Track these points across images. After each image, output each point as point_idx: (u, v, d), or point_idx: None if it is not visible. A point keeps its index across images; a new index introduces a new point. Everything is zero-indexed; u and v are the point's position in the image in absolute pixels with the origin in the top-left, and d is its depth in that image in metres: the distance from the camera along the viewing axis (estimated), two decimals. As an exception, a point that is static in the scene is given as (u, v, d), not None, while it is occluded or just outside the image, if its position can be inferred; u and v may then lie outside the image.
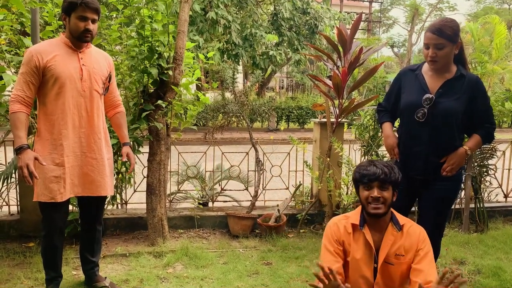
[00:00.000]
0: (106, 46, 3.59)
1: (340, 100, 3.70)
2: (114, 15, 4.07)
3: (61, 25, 3.06)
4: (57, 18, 3.33)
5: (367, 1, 23.77)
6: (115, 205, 3.99)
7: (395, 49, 34.56)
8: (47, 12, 3.42)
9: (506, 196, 4.70)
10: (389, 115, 2.65)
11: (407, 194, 2.50)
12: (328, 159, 3.89)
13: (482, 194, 4.28)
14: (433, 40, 2.26)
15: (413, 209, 3.97)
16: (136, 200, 4.13)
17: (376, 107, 2.73)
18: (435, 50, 2.27)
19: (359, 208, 2.08)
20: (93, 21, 2.40)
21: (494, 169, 4.31)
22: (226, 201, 4.43)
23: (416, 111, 2.35)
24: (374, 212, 1.95)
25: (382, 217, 1.99)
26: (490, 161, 4.24)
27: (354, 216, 2.07)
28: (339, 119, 3.82)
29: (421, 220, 2.47)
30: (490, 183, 4.47)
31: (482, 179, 4.25)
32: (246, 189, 4.34)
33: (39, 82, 2.36)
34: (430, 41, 2.28)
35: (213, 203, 4.37)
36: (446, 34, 2.25)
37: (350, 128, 4.56)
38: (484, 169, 4.23)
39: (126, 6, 3.49)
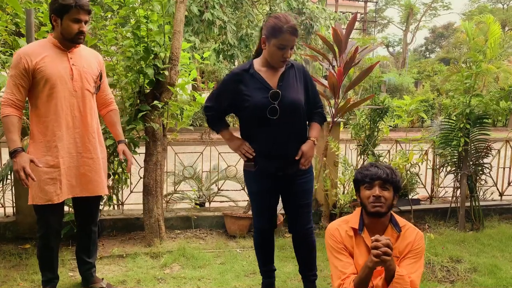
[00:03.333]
0: (101, 47, 3.58)
1: (336, 100, 3.71)
2: (109, 16, 4.05)
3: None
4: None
5: (362, 1, 23.83)
6: (112, 206, 3.98)
7: (390, 49, 34.70)
8: (42, 12, 3.41)
9: (501, 194, 4.73)
10: (221, 121, 2.52)
11: (273, 195, 2.52)
12: (325, 158, 3.89)
13: (478, 192, 4.30)
14: (292, 42, 2.26)
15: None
16: (132, 201, 4.12)
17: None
18: (288, 54, 2.28)
19: (358, 210, 2.09)
20: (86, 23, 2.39)
21: (489, 168, 4.34)
22: (223, 201, 4.42)
23: (268, 109, 2.29)
24: (374, 210, 1.96)
25: (383, 216, 2.00)
26: (485, 160, 4.26)
27: (353, 219, 2.08)
28: (335, 119, 3.83)
29: (293, 215, 2.53)
30: (486, 182, 4.49)
31: (478, 177, 4.27)
32: (243, 189, 4.33)
33: (29, 84, 2.34)
34: (290, 43, 2.25)
35: (210, 203, 4.37)
36: (297, 35, 2.29)
37: (346, 127, 4.58)
38: (480, 168, 4.25)
39: (122, 6, 3.48)
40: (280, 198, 2.58)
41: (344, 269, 1.98)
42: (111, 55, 3.64)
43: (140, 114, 3.46)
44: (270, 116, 2.30)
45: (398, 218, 2.07)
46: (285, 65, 2.35)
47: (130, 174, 3.79)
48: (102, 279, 2.80)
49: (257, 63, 2.40)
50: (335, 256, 2.04)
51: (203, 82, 17.31)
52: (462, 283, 2.98)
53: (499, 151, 4.63)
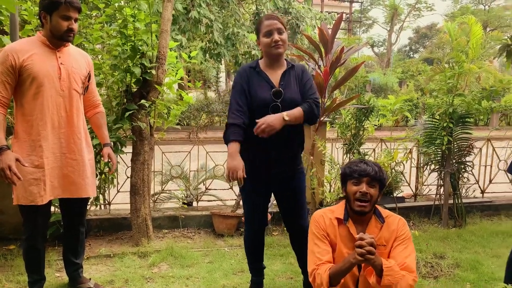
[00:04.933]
0: (86, 45, 3.54)
1: (323, 99, 3.75)
2: (95, 14, 4.02)
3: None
4: (37, 17, 3.27)
5: (347, 1, 24.02)
6: (98, 206, 3.95)
7: (375, 49, 35.07)
8: (26, 10, 3.36)
9: (483, 192, 4.84)
10: (240, 132, 2.32)
11: (265, 195, 2.57)
12: (312, 157, 3.93)
13: (460, 190, 4.40)
14: (275, 24, 2.32)
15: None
16: (119, 201, 4.10)
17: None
18: (278, 35, 2.32)
19: (343, 202, 2.13)
20: (75, 20, 2.37)
21: (472, 166, 4.44)
22: (211, 200, 4.43)
23: (270, 107, 2.33)
24: (359, 209, 2.01)
25: (366, 215, 2.04)
26: (467, 158, 4.36)
27: (339, 210, 2.12)
28: (322, 118, 3.87)
29: (290, 215, 2.57)
30: (468, 180, 4.60)
31: (460, 175, 4.36)
32: (231, 188, 4.35)
33: (16, 82, 2.30)
34: (273, 26, 2.32)
35: (197, 202, 4.37)
36: (281, 20, 2.36)
37: (332, 126, 4.63)
38: (462, 166, 4.35)
39: (108, 4, 3.46)
40: (274, 198, 2.62)
41: (321, 256, 2.02)
42: (97, 53, 3.61)
43: (127, 114, 3.44)
44: (272, 113, 2.33)
45: (381, 209, 2.12)
46: (278, 51, 2.36)
47: (117, 174, 3.77)
48: (90, 279, 2.78)
49: (262, 63, 2.47)
50: (315, 242, 2.08)
51: (189, 81, 17.24)
52: (445, 278, 3.05)
53: (480, 149, 4.74)
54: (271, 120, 2.24)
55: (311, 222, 2.16)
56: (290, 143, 2.44)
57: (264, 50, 2.41)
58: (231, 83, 22.37)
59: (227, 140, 2.35)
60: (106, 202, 4.00)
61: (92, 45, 3.52)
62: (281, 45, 2.36)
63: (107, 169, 3.57)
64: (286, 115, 2.27)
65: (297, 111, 2.33)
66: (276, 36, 2.33)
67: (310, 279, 2.03)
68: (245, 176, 2.25)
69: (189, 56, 3.92)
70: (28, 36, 3.21)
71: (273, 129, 2.24)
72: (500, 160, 4.81)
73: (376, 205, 2.12)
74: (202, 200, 4.39)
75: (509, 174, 2.62)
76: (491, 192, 4.89)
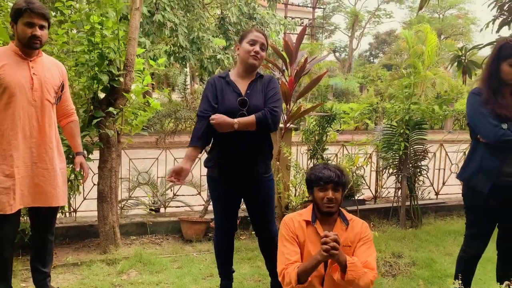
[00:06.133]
0: (48, 49, 3.49)
1: (288, 107, 3.89)
2: (58, 20, 3.96)
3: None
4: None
5: (310, 7, 24.53)
6: (64, 214, 3.90)
7: (337, 54, 35.97)
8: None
9: (437, 194, 5.16)
10: (202, 136, 2.47)
11: (235, 199, 2.67)
12: (278, 162, 4.06)
13: (416, 192, 4.68)
14: (261, 39, 2.50)
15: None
16: (84, 208, 4.06)
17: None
18: (260, 48, 2.49)
19: (311, 206, 2.28)
20: (41, 27, 2.36)
21: (426, 170, 4.73)
22: (179, 206, 4.46)
23: (237, 115, 2.43)
24: (327, 210, 2.17)
25: (333, 215, 2.20)
26: (423, 162, 4.64)
27: (306, 213, 2.27)
28: (287, 125, 4.01)
29: (258, 220, 2.69)
30: (423, 182, 4.89)
31: (416, 178, 4.64)
32: (199, 193, 4.41)
33: None
34: (259, 39, 2.49)
35: (165, 208, 4.40)
36: (267, 40, 2.56)
37: (297, 132, 4.79)
38: (418, 170, 4.62)
39: (76, 11, 3.44)
40: (244, 204, 2.72)
41: (290, 256, 2.15)
42: (62, 60, 3.57)
43: (95, 121, 3.43)
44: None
45: (345, 212, 2.29)
46: (254, 62, 2.49)
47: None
48: (57, 288, 2.77)
49: (232, 73, 2.59)
50: (284, 244, 2.22)
51: (152, 84, 17.03)
52: (402, 276, 3.26)
53: (434, 154, 5.05)
54: (222, 121, 2.38)
55: (281, 225, 2.28)
56: (255, 148, 2.53)
57: (241, 57, 2.51)
58: (196, 86, 22.18)
59: (190, 143, 2.49)
60: (72, 210, 3.95)
61: (58, 52, 3.49)
62: (258, 58, 2.49)
63: (74, 173, 3.55)
64: (236, 122, 2.38)
65: (249, 119, 2.42)
66: (257, 48, 2.47)
67: (280, 279, 2.15)
68: (177, 180, 2.43)
69: (152, 59, 3.94)
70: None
71: (220, 128, 2.39)
72: (452, 164, 5.14)
73: (341, 208, 2.27)
74: (170, 206, 4.42)
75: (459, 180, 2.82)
76: (444, 194, 5.21)
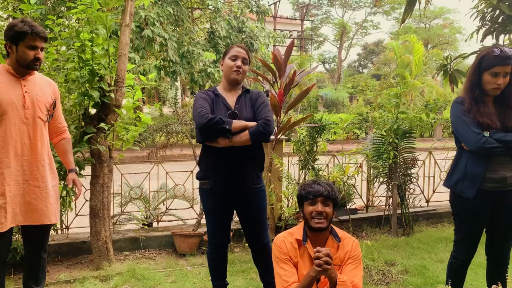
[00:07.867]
0: (42, 68, 3.52)
1: (278, 119, 3.94)
2: (49, 37, 3.98)
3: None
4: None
5: (299, 20, 24.87)
6: (56, 231, 3.88)
7: (326, 65, 36.39)
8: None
9: (427, 201, 5.21)
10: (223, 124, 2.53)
11: (227, 212, 2.70)
12: (270, 174, 4.09)
13: (407, 200, 4.73)
14: (242, 54, 2.60)
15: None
16: (76, 224, 4.04)
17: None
18: (241, 63, 2.58)
19: (302, 224, 2.29)
20: (42, 49, 2.42)
21: (416, 177, 4.79)
22: (172, 220, 4.46)
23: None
24: (317, 226, 2.17)
25: (324, 231, 2.21)
26: (412, 170, 4.71)
27: (297, 231, 2.28)
28: (278, 136, 4.06)
29: (251, 232, 2.73)
30: (414, 190, 4.94)
31: (407, 187, 4.69)
32: (192, 207, 4.41)
33: None
34: (240, 54, 2.58)
35: (158, 223, 4.39)
36: (249, 54, 2.64)
37: (288, 143, 4.83)
38: (408, 178, 4.68)
39: (66, 28, 3.47)
40: (237, 216, 2.74)
41: (287, 278, 2.17)
42: (52, 77, 3.59)
43: (86, 137, 3.45)
44: (228, 134, 2.47)
45: (337, 229, 2.30)
46: (236, 77, 2.58)
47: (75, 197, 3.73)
48: (51, 306, 2.75)
49: (220, 87, 2.69)
50: (280, 266, 2.23)
51: (143, 99, 17.03)
52: (395, 284, 3.29)
53: (424, 162, 5.12)
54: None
55: (273, 246, 2.30)
56: (247, 158, 2.57)
57: (224, 72, 2.61)
58: (187, 99, 22.17)
59: (219, 131, 2.46)
60: (64, 226, 3.93)
61: (49, 69, 3.51)
62: (241, 73, 2.57)
63: (66, 190, 3.54)
64: (230, 141, 2.46)
65: (243, 135, 2.48)
66: (239, 63, 2.56)
67: None
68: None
69: (143, 74, 3.97)
70: None
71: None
72: (441, 171, 5.21)
73: (332, 225, 2.30)
74: (163, 221, 4.41)
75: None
76: (435, 201, 5.27)
